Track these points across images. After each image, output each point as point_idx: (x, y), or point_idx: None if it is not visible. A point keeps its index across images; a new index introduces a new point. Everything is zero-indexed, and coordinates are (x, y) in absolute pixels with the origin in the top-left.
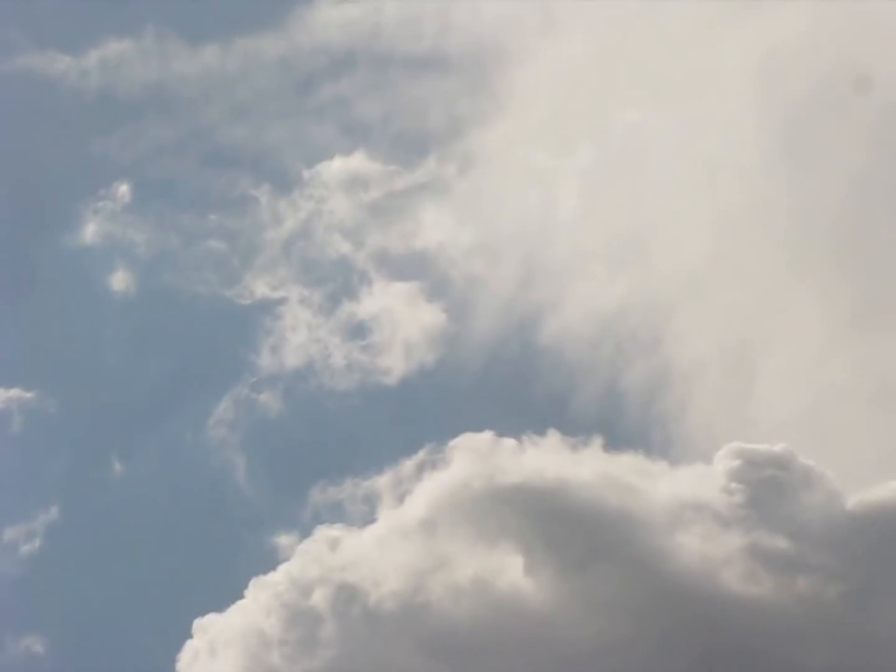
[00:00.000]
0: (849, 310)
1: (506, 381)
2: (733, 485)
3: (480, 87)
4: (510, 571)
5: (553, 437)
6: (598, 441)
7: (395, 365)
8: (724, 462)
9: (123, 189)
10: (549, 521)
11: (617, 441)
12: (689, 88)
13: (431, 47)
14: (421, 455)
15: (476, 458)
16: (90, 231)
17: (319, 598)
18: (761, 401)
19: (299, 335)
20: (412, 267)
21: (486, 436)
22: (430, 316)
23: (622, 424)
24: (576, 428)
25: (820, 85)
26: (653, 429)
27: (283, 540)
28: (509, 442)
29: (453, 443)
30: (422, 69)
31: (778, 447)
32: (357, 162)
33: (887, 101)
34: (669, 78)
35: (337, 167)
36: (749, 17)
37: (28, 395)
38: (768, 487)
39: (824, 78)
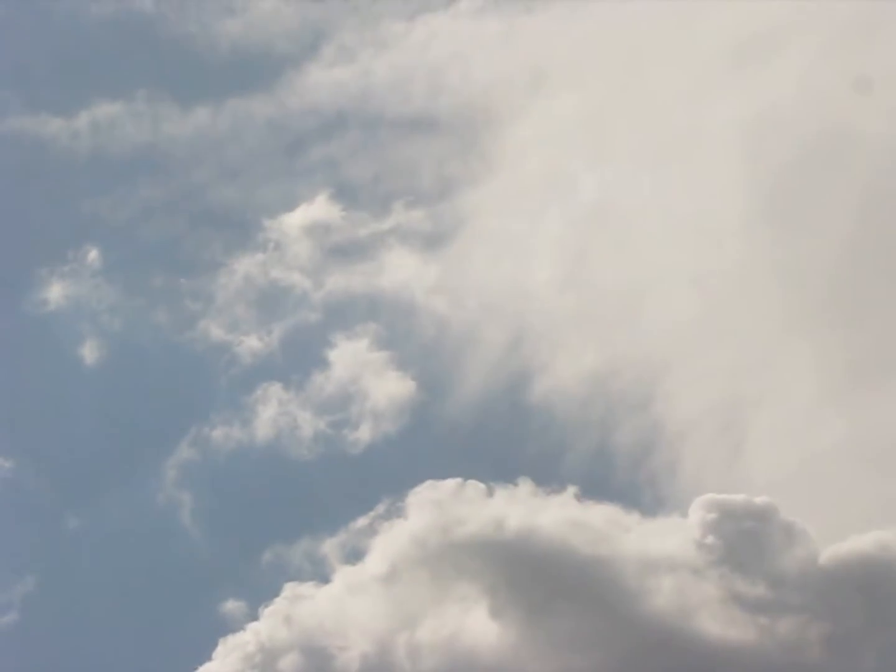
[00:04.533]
0: (840, 369)
1: (489, 442)
2: (709, 538)
3: (470, 147)
4: (476, 616)
5: (526, 486)
6: (571, 490)
7: (363, 432)
8: (698, 514)
9: (94, 252)
10: (516, 563)
11: (598, 495)
12: (679, 149)
13: (421, 108)
14: (382, 506)
15: (442, 505)
16: (57, 294)
17: (288, 662)
18: (751, 459)
19: (269, 408)
20: (395, 327)
21: (451, 483)
22: (404, 381)
23: (607, 479)
24: (556, 481)
25: (808, 147)
26: (642, 487)
27: (250, 600)
28: (479, 488)
29: (416, 490)
30: (412, 130)
31: (759, 500)
32: (343, 222)
33: (876, 162)
34: (659, 138)
35: (321, 226)
36: (738, 80)
37: (7, 463)
38: (744, 539)
39: (812, 140)
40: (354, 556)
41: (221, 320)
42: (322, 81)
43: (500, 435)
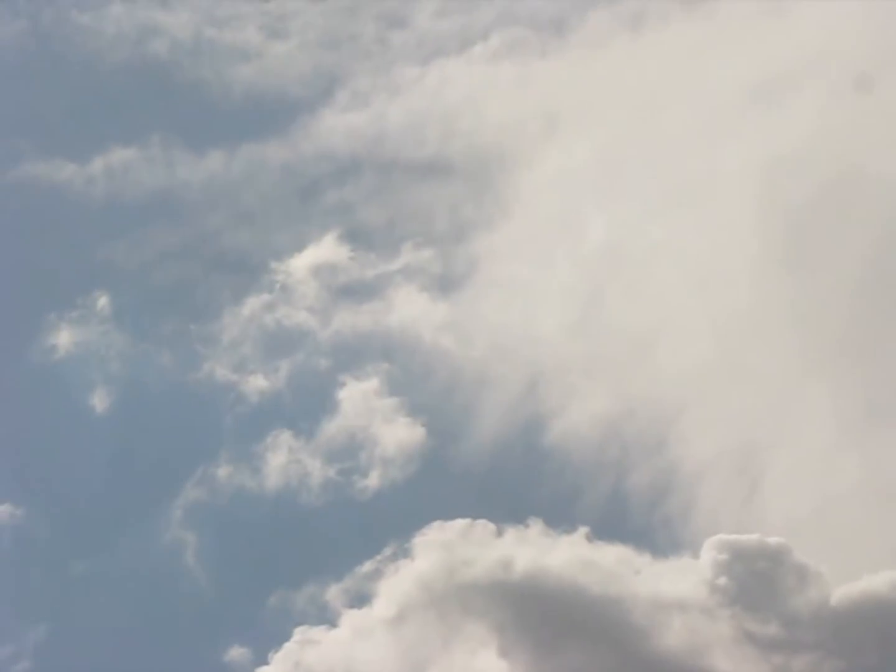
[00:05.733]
0: (857, 410)
1: (501, 485)
2: (721, 578)
3: (484, 191)
4: (485, 657)
5: (536, 527)
6: (582, 531)
7: (372, 479)
8: (710, 554)
9: (104, 298)
10: (525, 602)
11: (610, 536)
12: (694, 192)
13: (435, 152)
14: (389, 549)
15: (450, 546)
16: (66, 340)
17: None
18: (766, 501)
19: (279, 455)
20: (404, 370)
21: (460, 523)
22: (414, 427)
23: (620, 521)
24: (568, 522)
25: (823, 189)
26: (656, 529)
27: (256, 644)
28: (488, 528)
29: (424, 531)
30: (425, 174)
31: (772, 541)
32: (356, 268)
33: (891, 204)
34: (673, 182)
35: (334, 271)
36: (752, 122)
37: (17, 511)
38: (756, 580)
39: (827, 182)
40: (363, 599)
41: (228, 361)
42: (336, 126)
43: (513, 478)
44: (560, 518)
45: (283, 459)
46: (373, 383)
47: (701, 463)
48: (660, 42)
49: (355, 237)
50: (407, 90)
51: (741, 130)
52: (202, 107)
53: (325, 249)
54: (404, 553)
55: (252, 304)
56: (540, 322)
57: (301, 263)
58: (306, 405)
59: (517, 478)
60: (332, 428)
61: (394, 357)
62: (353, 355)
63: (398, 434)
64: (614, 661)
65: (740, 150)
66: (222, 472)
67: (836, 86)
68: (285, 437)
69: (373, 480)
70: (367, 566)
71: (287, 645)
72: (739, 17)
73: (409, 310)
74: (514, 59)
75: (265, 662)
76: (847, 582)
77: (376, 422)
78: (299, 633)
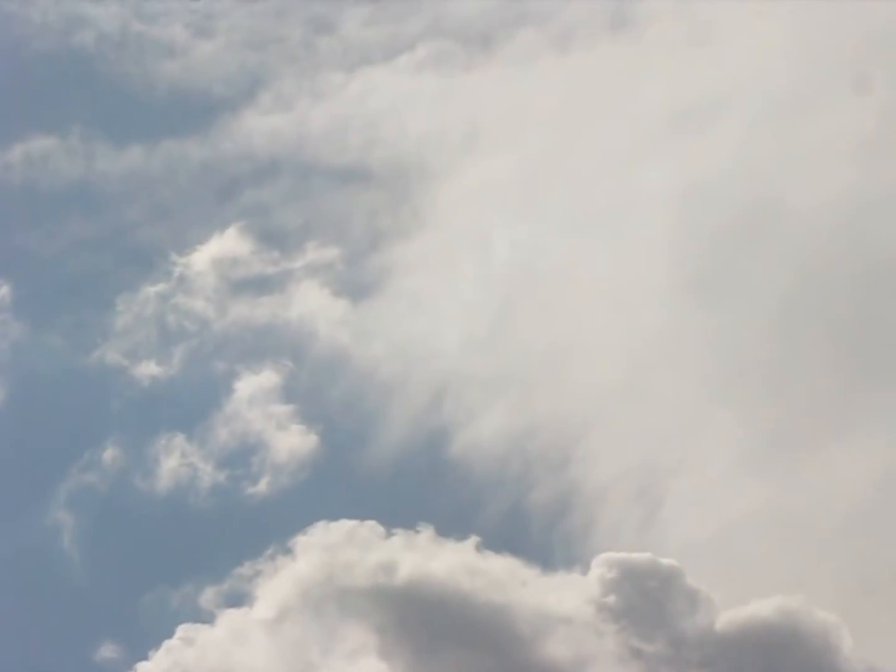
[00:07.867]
0: (761, 438)
1: (396, 493)
2: (609, 596)
3: (402, 201)
4: (365, 660)
5: (427, 533)
6: (472, 540)
7: (261, 486)
8: (598, 571)
9: (5, 287)
10: (407, 605)
11: (502, 548)
12: (610, 213)
13: (355, 160)
14: (273, 549)
15: (334, 548)
16: None
17: None
18: (665, 525)
19: (172, 459)
20: (307, 380)
21: (346, 525)
22: (308, 435)
23: (514, 535)
24: (459, 531)
25: (738, 218)
26: (552, 546)
27: (134, 640)
28: (377, 531)
29: (308, 531)
30: (344, 181)
31: (665, 562)
32: (258, 262)
33: (804, 236)
34: (591, 202)
35: (235, 264)
36: (672, 148)
37: None
38: (643, 599)
39: (742, 212)
40: (242, 599)
41: (121, 347)
42: (258, 127)
43: (409, 485)
44: (452, 526)
45: (174, 462)
46: (269, 377)
47: (602, 482)
48: (585, 63)
49: (262, 234)
50: (331, 96)
51: (661, 155)
52: (125, 100)
53: (228, 243)
54: (285, 552)
55: (147, 292)
56: (446, 335)
57: (201, 256)
58: (199, 395)
59: (413, 485)
60: (224, 432)
61: (290, 354)
62: (248, 347)
63: (291, 441)
64: (496, 667)
65: (659, 175)
66: (108, 454)
67: (757, 116)
68: (178, 441)
69: (262, 487)
70: (248, 567)
71: (168, 642)
72: (665, 43)
73: (310, 307)
74: (439, 71)
75: (144, 658)
76: (736, 606)
77: (270, 428)
78: (181, 630)
